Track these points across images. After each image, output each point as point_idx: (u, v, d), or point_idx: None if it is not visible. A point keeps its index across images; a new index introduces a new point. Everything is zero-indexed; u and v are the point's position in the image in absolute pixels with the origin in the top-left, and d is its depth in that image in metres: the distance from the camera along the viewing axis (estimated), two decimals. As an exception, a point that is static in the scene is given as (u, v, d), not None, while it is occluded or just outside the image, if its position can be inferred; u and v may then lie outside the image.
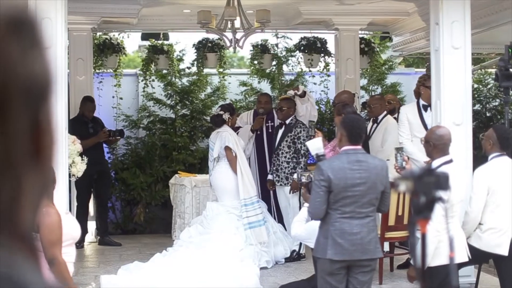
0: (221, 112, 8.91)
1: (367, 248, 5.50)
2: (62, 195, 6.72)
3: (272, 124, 9.62)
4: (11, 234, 0.78)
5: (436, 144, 5.95)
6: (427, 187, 2.42)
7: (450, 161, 5.93)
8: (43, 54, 0.83)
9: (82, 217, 9.93)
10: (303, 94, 9.32)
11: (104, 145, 10.60)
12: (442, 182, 2.43)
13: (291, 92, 9.33)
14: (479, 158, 7.14)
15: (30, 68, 0.80)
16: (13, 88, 0.77)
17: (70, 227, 5.38)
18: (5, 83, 0.76)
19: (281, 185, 9.06)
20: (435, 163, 5.97)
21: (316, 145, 6.00)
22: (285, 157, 8.98)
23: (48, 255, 4.87)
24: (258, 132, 9.65)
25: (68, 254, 5.30)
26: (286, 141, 8.98)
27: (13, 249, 0.78)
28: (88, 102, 10.09)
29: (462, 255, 5.90)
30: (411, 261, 6.11)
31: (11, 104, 0.77)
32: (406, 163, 6.12)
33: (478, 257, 6.53)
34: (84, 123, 9.92)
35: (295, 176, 8.71)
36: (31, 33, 0.81)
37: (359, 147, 5.59)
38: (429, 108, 8.08)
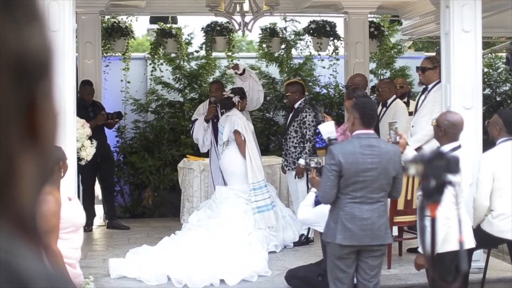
0: (231, 95, 8.88)
1: (377, 233, 5.47)
2: (71, 179, 6.71)
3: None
4: (10, 219, 0.76)
5: (447, 131, 5.88)
6: (437, 171, 2.39)
7: (459, 147, 5.88)
8: (41, 29, 0.78)
9: (88, 200, 9.96)
10: (243, 72, 9.22)
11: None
12: (453, 165, 2.40)
13: (230, 71, 9.21)
14: (489, 142, 7.10)
15: (25, 44, 0.75)
16: (4, 65, 0.73)
17: (72, 214, 5.37)
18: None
19: (289, 169, 9.04)
20: (443, 149, 5.92)
21: (328, 128, 5.97)
22: (293, 142, 8.93)
23: (42, 244, 4.88)
24: (215, 120, 9.54)
25: (71, 241, 5.29)
26: (293, 126, 8.93)
27: (13, 234, 0.75)
28: (86, 85, 9.98)
29: (469, 241, 5.88)
30: (419, 249, 6.08)
31: (8, 79, 0.73)
32: (400, 137, 6.04)
33: (490, 241, 6.51)
34: (84, 107, 9.73)
35: (300, 161, 8.72)
36: (27, 7, 0.77)
37: (372, 131, 5.55)
38: (425, 91, 8.26)
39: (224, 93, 9.27)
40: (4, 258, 0.72)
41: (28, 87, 0.76)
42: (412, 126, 8.25)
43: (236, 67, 9.35)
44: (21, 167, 0.76)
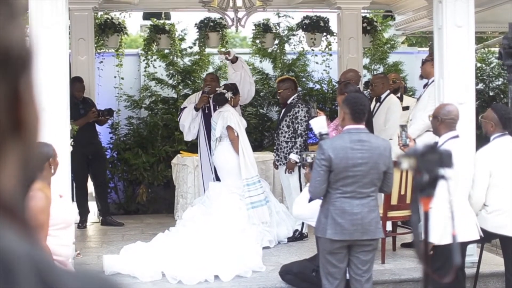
0: (224, 91, 8.88)
1: (368, 228, 5.49)
2: (64, 177, 6.71)
3: None
4: None
5: (444, 119, 5.95)
6: (430, 165, 2.39)
7: (457, 136, 5.93)
8: (21, 26, 0.82)
9: (81, 197, 9.95)
10: (235, 60, 9.22)
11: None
12: (445, 159, 2.41)
13: (221, 57, 9.23)
14: (482, 137, 7.11)
15: (8, 38, 0.79)
16: None
17: (63, 211, 5.37)
18: None
19: (280, 164, 9.03)
20: (442, 139, 5.97)
21: (319, 123, 5.98)
22: (284, 136, 8.93)
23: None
24: (206, 112, 9.55)
25: (59, 238, 5.29)
26: (286, 120, 8.93)
27: None
28: (76, 82, 9.84)
29: (473, 233, 5.91)
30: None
31: None
32: (410, 140, 6.11)
33: (484, 237, 6.53)
34: (75, 104, 9.43)
35: (291, 156, 8.72)
36: (8, 4, 0.81)
37: (362, 126, 5.56)
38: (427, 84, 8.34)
39: (217, 88, 9.25)
40: None
41: (12, 79, 0.79)
42: (410, 120, 8.34)
43: (227, 52, 9.39)
44: (3, 158, 0.80)
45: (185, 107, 9.75)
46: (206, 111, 9.55)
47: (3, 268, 0.75)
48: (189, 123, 9.62)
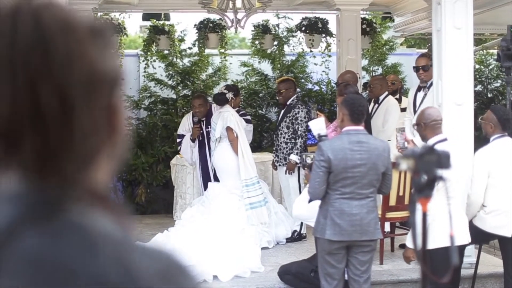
0: (225, 91, 8.90)
1: (366, 229, 5.51)
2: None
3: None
4: (90, 191, 1.01)
5: (426, 123, 5.89)
6: (429, 166, 2.42)
7: (445, 139, 5.90)
8: (113, 54, 1.08)
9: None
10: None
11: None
12: (443, 160, 2.43)
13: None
14: (480, 139, 7.13)
15: (105, 63, 1.04)
16: (94, 79, 1.02)
17: None
18: (90, 75, 1.01)
19: (279, 165, 9.03)
20: (429, 143, 5.95)
21: (318, 125, 5.99)
22: (284, 137, 8.93)
23: None
24: (200, 138, 9.53)
25: None
26: (285, 121, 8.94)
27: (90, 202, 0.99)
28: None
29: (463, 237, 5.91)
30: (406, 242, 6.15)
31: (96, 89, 1.02)
32: (408, 142, 6.11)
33: (482, 237, 6.54)
34: None
35: (291, 157, 8.74)
36: (105, 38, 1.06)
37: (361, 127, 5.58)
38: (422, 88, 8.14)
39: (211, 97, 9.25)
40: (77, 220, 0.96)
41: (108, 95, 1.04)
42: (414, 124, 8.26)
43: None
44: (102, 157, 1.03)
45: (181, 135, 9.65)
46: (200, 138, 9.51)
47: (88, 244, 0.94)
48: (190, 154, 9.54)
